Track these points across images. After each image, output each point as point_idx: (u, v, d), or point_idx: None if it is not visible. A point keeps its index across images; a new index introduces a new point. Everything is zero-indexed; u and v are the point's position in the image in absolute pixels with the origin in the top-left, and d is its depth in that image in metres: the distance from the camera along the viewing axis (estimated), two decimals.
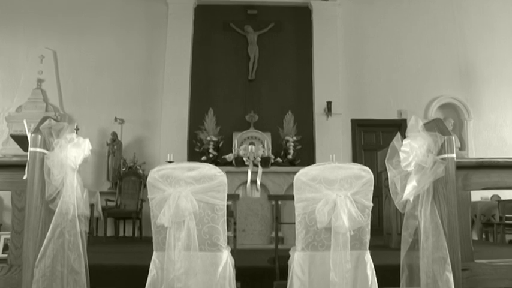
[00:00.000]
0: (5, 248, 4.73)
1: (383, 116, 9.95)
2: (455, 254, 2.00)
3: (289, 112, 9.14)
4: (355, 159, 9.75)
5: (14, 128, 9.29)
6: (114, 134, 9.55)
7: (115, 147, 9.51)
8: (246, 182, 7.53)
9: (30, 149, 2.05)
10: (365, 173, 2.41)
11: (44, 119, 2.12)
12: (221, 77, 9.76)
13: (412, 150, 2.03)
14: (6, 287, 2.09)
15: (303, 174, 2.43)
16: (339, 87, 9.65)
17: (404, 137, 2.12)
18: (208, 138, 8.80)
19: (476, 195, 9.24)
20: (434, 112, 9.98)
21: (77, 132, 2.33)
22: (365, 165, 2.47)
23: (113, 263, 4.63)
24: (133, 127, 9.81)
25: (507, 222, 8.35)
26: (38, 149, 2.06)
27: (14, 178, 2.13)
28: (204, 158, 8.58)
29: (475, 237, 9.09)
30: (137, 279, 3.11)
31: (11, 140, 7.70)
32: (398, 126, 9.65)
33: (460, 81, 10.25)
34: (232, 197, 3.69)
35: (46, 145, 2.09)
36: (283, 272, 3.71)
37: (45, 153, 2.08)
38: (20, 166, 2.09)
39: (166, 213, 2.33)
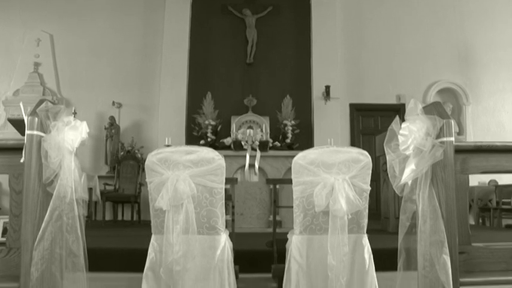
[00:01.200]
0: (4, 231, 4.74)
1: (381, 100, 9.93)
2: (452, 238, 2.00)
3: (288, 96, 9.11)
4: (353, 144, 9.75)
5: (11, 112, 9.25)
6: (112, 118, 9.52)
7: (113, 131, 9.49)
8: (244, 165, 7.54)
9: (27, 131, 2.04)
10: (363, 157, 2.41)
11: (40, 102, 2.10)
12: (219, 61, 9.70)
13: (410, 134, 2.02)
14: (6, 269, 2.10)
15: (301, 157, 2.43)
16: (337, 71, 9.61)
17: (403, 120, 2.11)
18: (207, 122, 8.78)
19: (474, 180, 9.27)
20: (432, 97, 9.96)
21: (74, 116, 2.33)
22: (363, 149, 2.47)
23: (111, 247, 4.65)
24: (131, 111, 9.78)
25: (504, 207, 8.39)
26: (35, 132, 2.05)
27: (11, 161, 2.13)
28: (202, 142, 8.57)
29: (472, 222, 9.15)
30: (136, 262, 3.13)
31: (9, 124, 7.67)
32: (397, 111, 9.64)
33: (459, 66, 10.22)
34: (230, 181, 3.69)
35: (43, 128, 2.08)
36: (281, 256, 3.73)
37: (42, 136, 2.07)
38: (17, 149, 2.08)
39: (164, 196, 2.33)
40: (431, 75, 10.07)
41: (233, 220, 4.16)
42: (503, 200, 8.45)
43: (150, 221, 2.45)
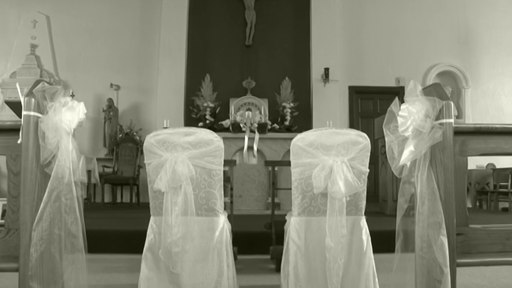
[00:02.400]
0: (3, 214, 4.75)
1: (381, 83, 9.91)
2: (450, 219, 2.01)
3: (287, 78, 9.07)
4: (352, 126, 9.74)
5: (9, 94, 9.20)
6: (110, 100, 9.49)
7: (111, 113, 9.46)
8: (243, 148, 7.54)
9: (23, 112, 2.02)
10: (362, 139, 2.40)
11: (37, 82, 2.08)
12: (218, 43, 9.63)
13: (409, 115, 2.01)
14: (5, 250, 2.10)
15: (300, 139, 2.42)
16: (336, 53, 9.56)
17: (402, 102, 2.10)
18: (205, 104, 8.75)
19: (472, 164, 9.30)
20: (432, 80, 9.93)
21: (72, 98, 2.31)
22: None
23: (110, 229, 4.67)
24: (129, 93, 9.74)
25: (501, 190, 8.43)
26: (32, 113, 2.04)
27: (8, 142, 2.11)
28: (200, 124, 8.56)
29: (469, 205, 9.20)
30: (135, 244, 3.15)
31: (6, 107, 7.64)
32: (396, 94, 9.61)
33: (458, 48, 10.16)
34: (228, 163, 3.69)
35: (40, 109, 2.06)
36: (279, 237, 3.75)
37: (39, 117, 2.05)
38: (15, 130, 2.07)
39: (163, 178, 2.32)
40: (431, 58, 10.02)
41: (232, 202, 4.17)
42: (500, 184, 8.49)
43: (148, 203, 2.46)
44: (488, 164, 9.57)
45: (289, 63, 9.59)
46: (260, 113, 8.31)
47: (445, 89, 2.07)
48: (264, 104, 8.65)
